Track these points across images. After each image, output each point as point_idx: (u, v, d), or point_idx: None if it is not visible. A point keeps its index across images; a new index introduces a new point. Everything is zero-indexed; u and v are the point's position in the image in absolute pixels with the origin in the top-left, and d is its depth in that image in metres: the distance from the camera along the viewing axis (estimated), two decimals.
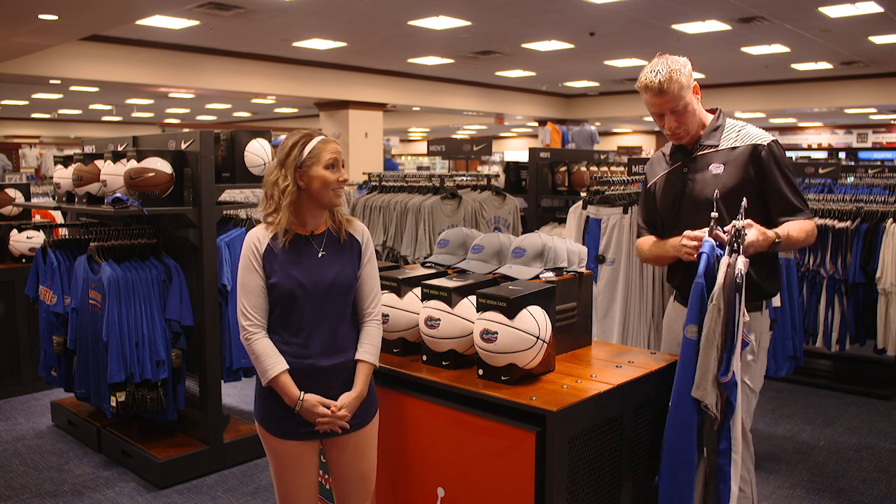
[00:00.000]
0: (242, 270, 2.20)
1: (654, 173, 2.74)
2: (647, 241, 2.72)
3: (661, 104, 2.46)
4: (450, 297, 2.45)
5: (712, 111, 2.62)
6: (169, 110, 20.29)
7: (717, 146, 2.53)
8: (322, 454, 2.38)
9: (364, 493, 2.35)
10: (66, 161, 4.45)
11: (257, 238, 2.21)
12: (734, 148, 2.51)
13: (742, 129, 2.54)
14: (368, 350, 2.30)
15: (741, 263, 2.17)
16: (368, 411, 2.31)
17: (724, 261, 2.18)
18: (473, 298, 2.43)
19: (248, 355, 2.21)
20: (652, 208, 2.73)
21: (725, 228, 2.23)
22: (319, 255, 2.22)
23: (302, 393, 2.17)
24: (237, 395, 5.19)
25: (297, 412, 2.18)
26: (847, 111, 17.11)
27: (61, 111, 20.39)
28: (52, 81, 11.06)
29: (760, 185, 2.46)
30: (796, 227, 2.41)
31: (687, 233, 2.36)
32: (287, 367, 2.17)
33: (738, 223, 2.19)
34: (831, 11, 8.63)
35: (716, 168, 2.50)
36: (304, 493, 2.27)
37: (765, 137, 2.50)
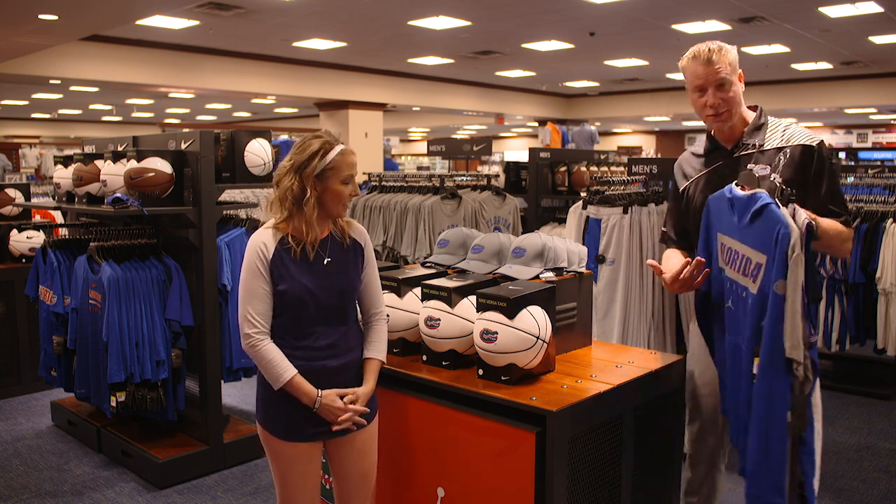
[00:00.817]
0: (248, 276, 2.16)
1: (686, 175, 2.57)
2: (673, 256, 2.56)
3: (707, 75, 2.34)
4: (450, 297, 2.45)
5: (753, 108, 2.49)
6: (169, 110, 20.30)
7: (763, 146, 2.39)
8: (324, 454, 2.38)
9: (366, 492, 2.36)
10: (66, 161, 4.45)
11: (263, 243, 2.17)
12: (781, 149, 2.36)
13: (787, 129, 2.41)
14: (378, 348, 2.32)
15: (802, 212, 2.03)
16: (371, 409, 2.31)
17: (784, 211, 2.02)
18: (473, 298, 2.43)
19: (255, 362, 2.18)
20: (684, 214, 2.57)
21: (760, 174, 2.12)
22: (325, 261, 2.21)
23: (319, 390, 2.17)
24: (237, 395, 5.19)
25: (315, 410, 2.17)
26: (847, 111, 17.11)
27: (61, 111, 20.39)
28: (52, 81, 11.06)
29: (806, 186, 2.32)
30: (829, 223, 2.24)
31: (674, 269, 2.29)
32: (297, 370, 2.16)
33: (776, 179, 2.09)
34: (831, 11, 8.63)
35: (762, 170, 2.31)
36: (307, 494, 2.27)
37: (813, 137, 2.36)
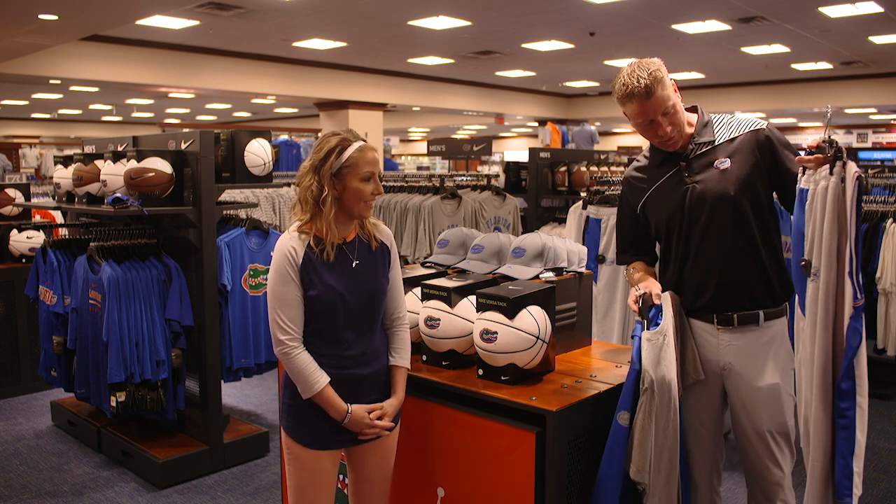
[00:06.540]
0: (277, 281, 2.10)
1: (639, 191, 2.48)
2: (636, 269, 2.53)
3: (652, 108, 2.24)
4: (450, 297, 2.45)
5: (692, 109, 2.44)
6: (169, 110, 20.29)
7: (714, 141, 2.36)
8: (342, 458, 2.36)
9: (384, 494, 2.34)
10: (66, 161, 4.45)
11: (292, 248, 2.11)
12: (734, 139, 2.33)
13: (732, 120, 2.40)
14: (404, 355, 2.29)
15: (852, 168, 1.97)
16: (397, 415, 2.29)
17: (832, 181, 1.98)
18: (473, 298, 2.43)
19: (287, 369, 2.15)
20: (641, 230, 2.51)
21: (811, 144, 2.05)
22: (354, 264, 2.17)
23: (349, 406, 2.14)
24: (237, 395, 5.19)
25: (344, 424, 2.15)
26: (847, 111, 17.11)
27: (61, 111, 20.38)
28: (52, 81, 11.05)
29: (770, 171, 2.31)
30: None
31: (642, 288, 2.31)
32: (329, 379, 2.13)
33: (825, 136, 2.02)
34: (831, 11, 8.62)
35: (721, 163, 2.30)
36: (324, 500, 2.23)
37: (759, 122, 2.36)
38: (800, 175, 2.13)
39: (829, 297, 2.05)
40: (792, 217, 2.20)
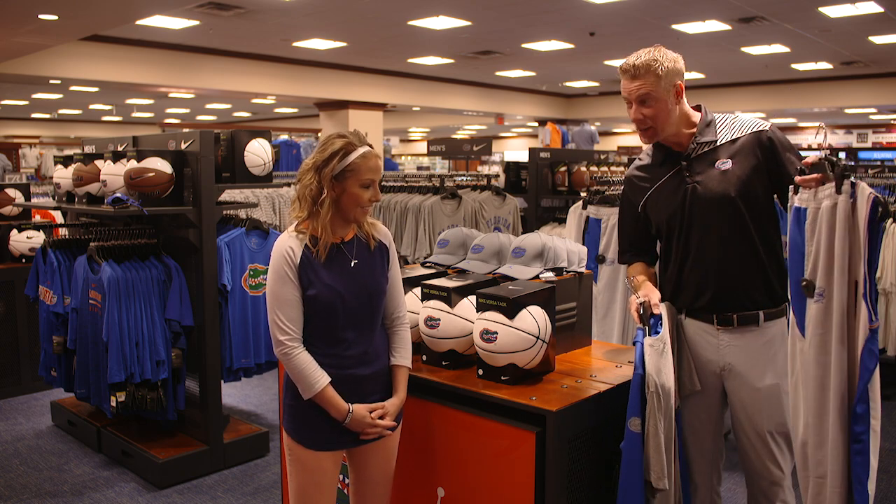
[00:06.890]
0: (276, 281, 2.10)
1: (640, 190, 2.48)
2: (637, 271, 2.54)
3: (631, 90, 2.27)
4: (450, 297, 2.45)
5: (696, 108, 2.43)
6: (169, 110, 20.29)
7: (716, 141, 2.33)
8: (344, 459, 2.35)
9: (386, 494, 2.34)
10: (66, 161, 4.45)
11: (290, 247, 2.11)
12: (736, 139, 2.31)
13: (735, 120, 2.38)
14: (405, 354, 2.29)
15: (866, 190, 1.92)
16: (399, 415, 2.29)
17: (840, 199, 1.93)
18: (473, 298, 2.43)
19: (287, 370, 2.14)
20: (642, 229, 2.52)
21: (807, 162, 2.04)
22: (353, 263, 2.17)
23: (350, 405, 2.14)
24: (237, 395, 5.19)
25: (345, 424, 2.15)
26: (847, 111, 17.10)
27: (61, 111, 20.38)
28: (52, 81, 11.05)
29: (772, 172, 2.30)
30: None
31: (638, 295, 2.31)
32: (330, 379, 2.12)
33: (822, 154, 2.00)
34: (831, 11, 8.62)
35: (723, 164, 2.29)
36: (325, 501, 2.23)
37: (762, 123, 2.35)
38: (791, 193, 2.12)
39: (843, 318, 1.99)
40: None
